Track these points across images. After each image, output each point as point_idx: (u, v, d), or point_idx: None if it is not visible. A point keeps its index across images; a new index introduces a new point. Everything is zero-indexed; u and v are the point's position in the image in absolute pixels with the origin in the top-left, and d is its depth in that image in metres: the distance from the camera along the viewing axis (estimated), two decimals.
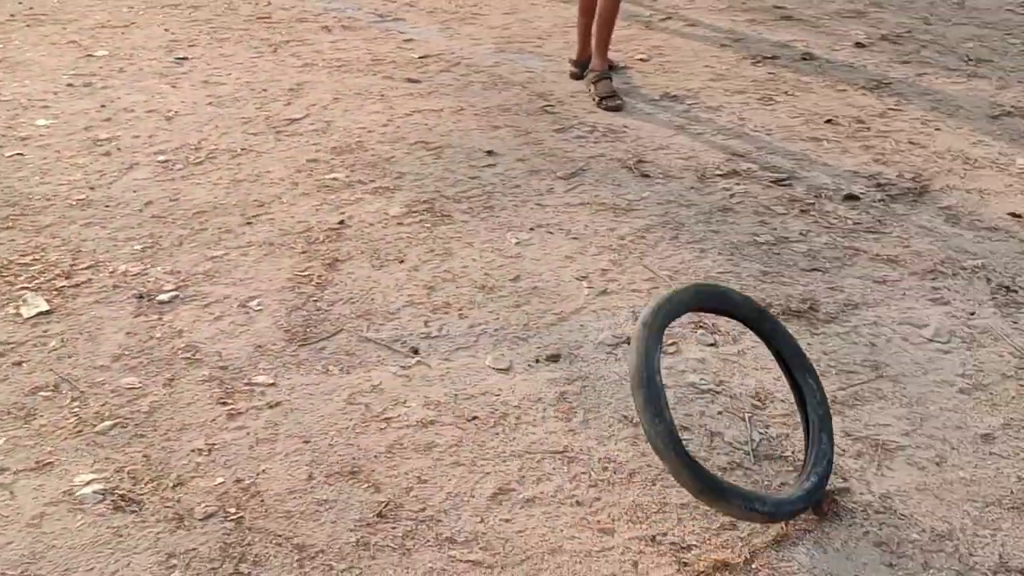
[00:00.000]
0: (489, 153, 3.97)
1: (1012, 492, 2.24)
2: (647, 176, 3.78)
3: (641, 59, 5.12)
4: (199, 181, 3.70)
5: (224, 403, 2.47)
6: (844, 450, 2.35)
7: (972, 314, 2.93)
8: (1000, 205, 3.59)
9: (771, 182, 3.74)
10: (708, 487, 1.98)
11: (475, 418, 2.44)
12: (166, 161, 3.88)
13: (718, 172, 3.82)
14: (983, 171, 3.85)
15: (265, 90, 4.68)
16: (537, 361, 2.67)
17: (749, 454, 2.35)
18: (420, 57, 5.18)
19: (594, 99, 4.50)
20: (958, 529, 2.13)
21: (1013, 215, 3.51)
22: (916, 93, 4.64)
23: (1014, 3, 6.13)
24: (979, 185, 3.74)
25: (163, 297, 2.90)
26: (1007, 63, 5.06)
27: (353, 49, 5.31)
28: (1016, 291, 3.04)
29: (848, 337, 2.79)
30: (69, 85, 4.69)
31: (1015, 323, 2.88)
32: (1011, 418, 2.49)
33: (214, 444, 2.33)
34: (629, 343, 2.45)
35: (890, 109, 4.45)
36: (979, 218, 3.49)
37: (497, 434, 2.39)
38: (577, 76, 4.80)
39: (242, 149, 4.01)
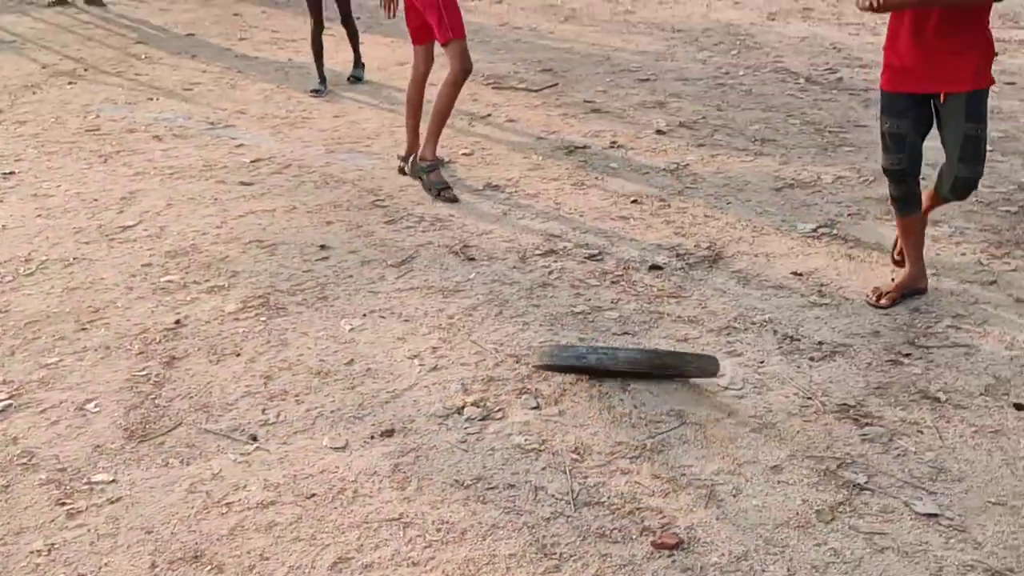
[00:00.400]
0: (322, 247, 4.18)
1: (797, 513, 2.55)
2: (472, 259, 4.06)
3: (465, 153, 5.47)
4: (30, 292, 3.74)
5: (63, 503, 2.53)
6: (653, 491, 2.62)
7: (762, 363, 3.29)
8: (784, 266, 4.04)
9: (585, 258, 4.08)
10: None
11: (314, 495, 2.58)
12: None
13: (537, 252, 4.14)
14: (769, 237, 4.32)
15: (96, 200, 4.75)
16: (372, 437, 2.85)
17: (570, 503, 2.58)
18: (252, 161, 5.36)
19: (431, 190, 4.75)
20: (752, 550, 2.41)
21: (795, 273, 3.96)
22: (710, 172, 5.15)
23: (795, 88, 6.85)
24: (765, 249, 4.19)
25: None
26: (788, 141, 5.67)
27: (185, 156, 5.44)
28: (799, 340, 3.44)
29: (655, 391, 3.09)
30: None
31: (799, 368, 3.26)
32: (795, 450, 2.83)
33: (53, 544, 2.39)
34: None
35: (687, 187, 4.92)
36: (766, 278, 3.92)
37: (336, 508, 2.54)
38: (405, 171, 5.08)
39: (74, 258, 4.06)
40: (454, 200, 4.68)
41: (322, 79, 6.85)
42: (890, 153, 3.59)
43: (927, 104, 3.51)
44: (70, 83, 7.19)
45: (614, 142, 5.66)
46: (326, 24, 6.89)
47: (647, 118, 6.15)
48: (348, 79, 7.02)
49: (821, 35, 8.63)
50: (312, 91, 6.78)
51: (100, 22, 9.71)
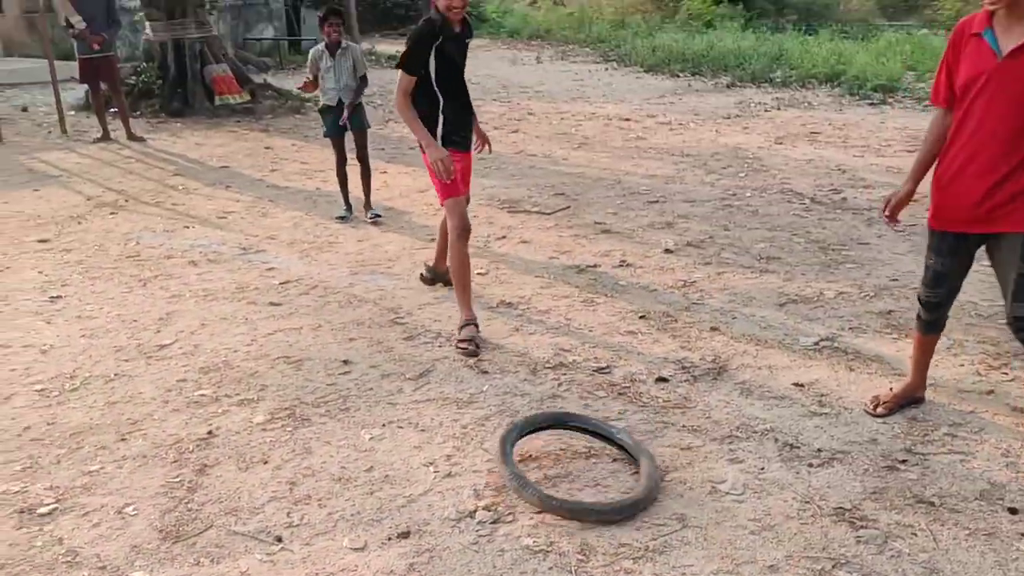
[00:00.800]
0: (345, 362, 4.42)
1: None
2: (486, 372, 4.28)
3: (480, 273, 5.76)
4: (75, 405, 3.99)
5: None
6: None
7: (762, 469, 3.45)
8: (786, 377, 4.22)
9: (593, 371, 4.30)
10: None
11: None
12: (43, 390, 4.16)
13: (547, 365, 4.36)
14: (772, 350, 4.52)
15: (136, 321, 5.05)
16: (389, 539, 3.02)
17: None
18: (281, 283, 5.67)
19: (457, 344, 4.58)
20: None
21: (796, 384, 4.14)
22: (716, 289, 5.39)
23: (800, 208, 7.15)
24: (769, 362, 4.39)
25: (43, 510, 3.15)
26: (793, 259, 5.92)
27: (218, 280, 5.77)
28: (799, 447, 3.60)
29: (659, 497, 3.25)
30: None
31: (798, 473, 3.42)
32: (792, 551, 2.96)
33: None
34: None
35: (694, 304, 5.16)
36: (768, 389, 4.11)
37: None
38: (428, 280, 5.44)
39: (115, 375, 4.33)
40: (471, 355, 4.48)
41: (347, 206, 7.24)
42: (929, 287, 3.73)
43: (975, 243, 3.58)
44: (112, 213, 7.63)
45: (623, 261, 5.94)
46: (348, 157, 7.30)
47: (656, 238, 6.44)
48: (368, 218, 7.17)
49: (827, 157, 8.99)
50: (338, 217, 7.16)
51: (140, 156, 10.28)
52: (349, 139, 7.23)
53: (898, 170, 8.31)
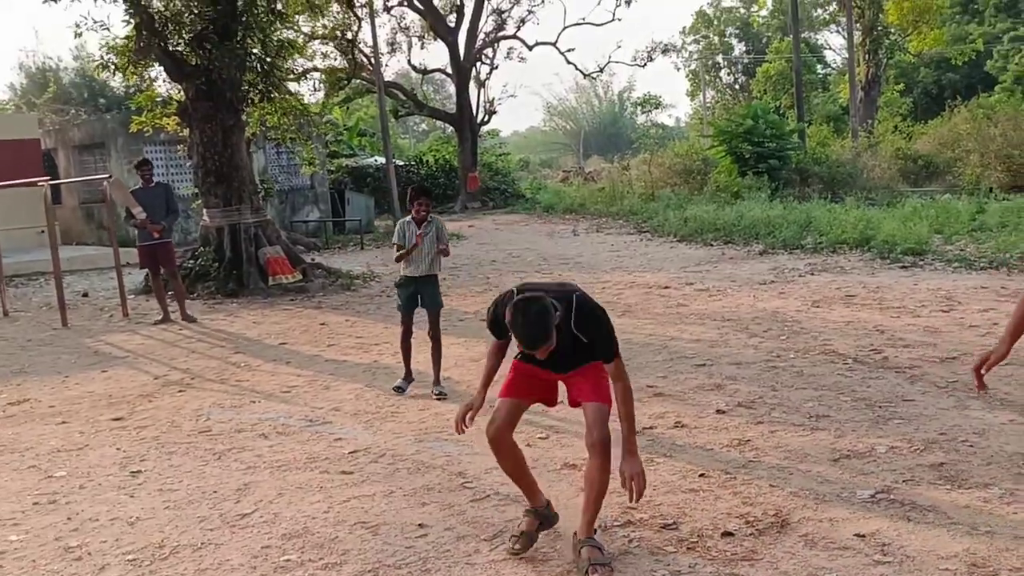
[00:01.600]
0: (420, 526, 4.61)
1: None
2: (558, 533, 4.45)
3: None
4: (167, 573, 4.19)
5: None
6: None
7: None
8: (847, 528, 4.35)
9: (660, 527, 4.45)
10: None
11: None
12: (134, 559, 4.38)
13: (616, 523, 4.53)
14: (830, 503, 4.66)
15: (215, 492, 5.29)
16: None
17: None
18: (350, 452, 5.92)
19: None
20: None
21: (858, 535, 4.27)
22: (771, 447, 5.57)
23: (844, 369, 7.36)
24: (829, 515, 4.52)
25: None
26: (841, 416, 6.10)
27: (290, 451, 6.03)
28: None
29: None
30: (35, 504, 5.22)
31: None
32: None
33: None
34: None
35: (750, 461, 5.33)
36: (831, 540, 4.23)
37: None
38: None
39: (202, 543, 4.54)
40: (516, 553, 4.22)
41: (408, 374, 7.46)
42: None
43: None
44: (180, 391, 8.00)
45: (678, 422, 6.15)
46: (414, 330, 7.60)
47: (707, 400, 6.66)
48: (434, 394, 7.25)
49: (864, 319, 9.26)
50: (395, 388, 7.42)
51: (201, 336, 10.77)
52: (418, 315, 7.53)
53: (935, 330, 8.55)
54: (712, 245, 16.84)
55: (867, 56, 34.54)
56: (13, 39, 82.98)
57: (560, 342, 3.99)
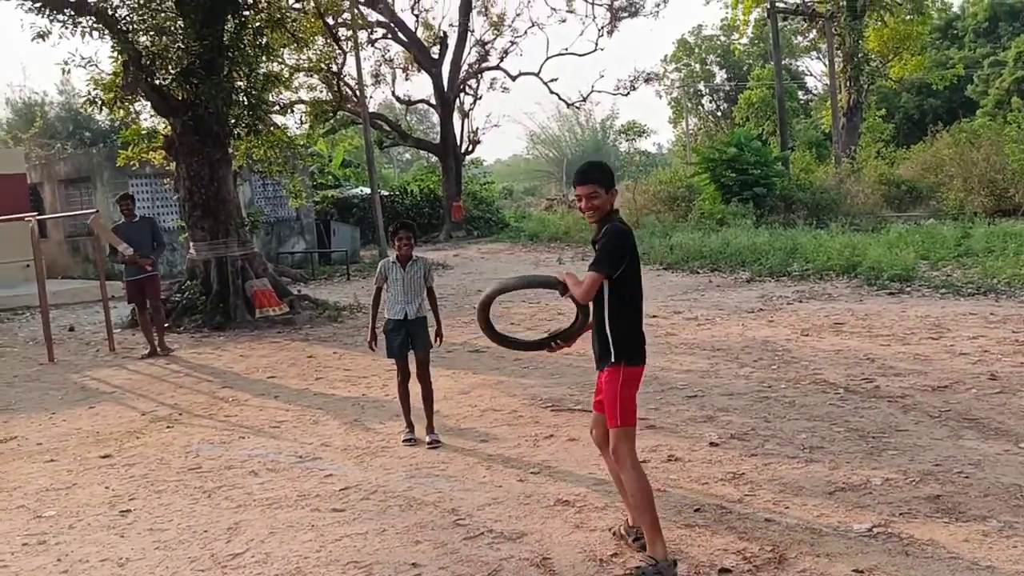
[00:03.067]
0: (413, 565, 4.56)
1: None
2: (554, 572, 4.40)
3: (533, 473, 5.93)
4: None
5: None
6: None
7: None
8: (845, 564, 4.32)
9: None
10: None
11: None
12: None
13: (615, 559, 4.48)
14: (827, 538, 4.63)
15: (206, 531, 5.22)
16: None
17: None
18: (341, 489, 5.86)
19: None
20: None
21: (856, 571, 4.24)
22: (765, 479, 5.54)
23: (836, 399, 7.35)
24: (826, 550, 4.49)
25: None
26: (835, 448, 6.09)
27: (280, 488, 5.96)
28: None
29: None
30: (24, 544, 5.14)
31: None
32: None
33: None
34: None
35: (746, 495, 5.30)
36: None
37: None
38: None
39: None
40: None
41: (411, 426, 7.02)
42: None
43: None
44: (168, 427, 7.92)
45: (671, 456, 6.12)
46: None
47: (699, 432, 6.64)
48: (427, 442, 6.82)
49: (854, 347, 9.28)
50: (405, 441, 6.94)
51: (188, 370, 10.69)
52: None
53: (926, 358, 8.57)
54: (699, 273, 16.88)
55: (849, 82, 34.90)
56: (1, 76, 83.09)
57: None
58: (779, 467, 5.78)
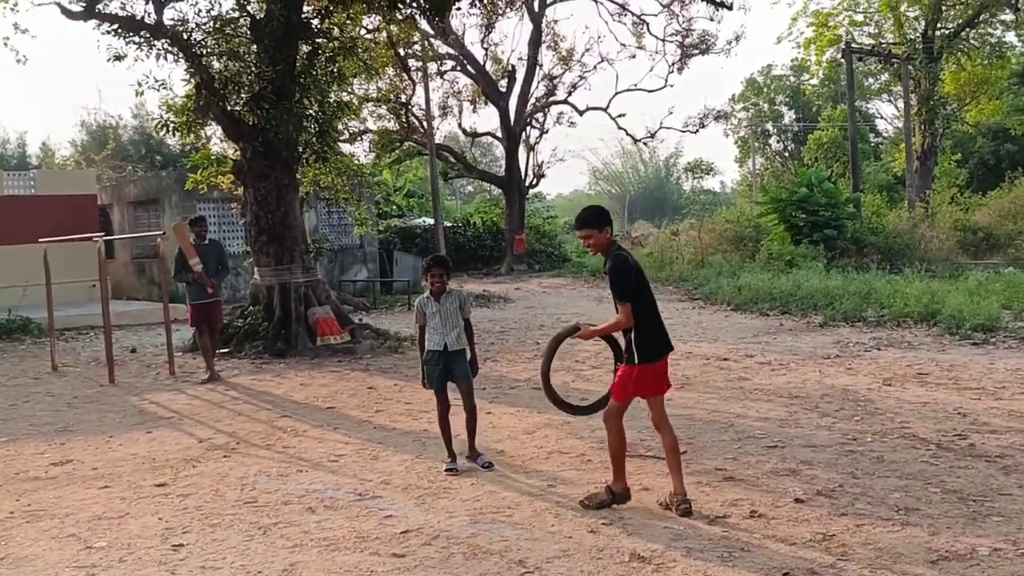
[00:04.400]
0: None
1: None
2: None
3: (604, 523, 5.57)
4: None
5: None
6: None
7: None
8: None
9: None
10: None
11: None
12: None
13: None
14: None
15: (260, 572, 4.96)
16: None
17: None
18: (402, 532, 5.56)
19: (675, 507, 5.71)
20: None
21: None
22: (859, 543, 5.10)
23: (928, 455, 6.87)
24: None
25: None
26: (933, 510, 5.62)
27: (338, 528, 5.69)
28: None
29: None
30: None
31: None
32: None
33: None
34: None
35: (838, 560, 4.86)
36: None
37: None
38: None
39: None
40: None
41: (452, 457, 7.02)
42: None
43: None
44: (225, 456, 7.72)
45: (754, 511, 5.70)
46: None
47: (782, 486, 6.21)
48: (484, 467, 6.93)
49: (942, 400, 8.75)
50: (447, 470, 6.90)
51: (247, 397, 10.53)
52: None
53: (1021, 415, 8.03)
54: (768, 315, 16.36)
55: (923, 126, 34.07)
56: (78, 98, 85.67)
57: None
58: (873, 529, 5.33)
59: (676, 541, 5.24)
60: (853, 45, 32.07)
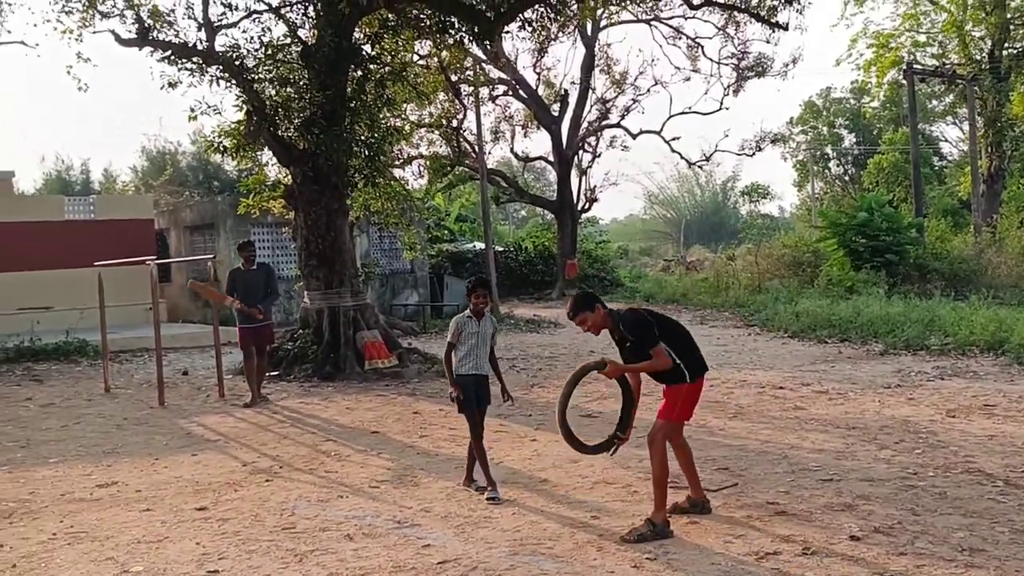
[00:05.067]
0: None
1: None
2: None
3: (648, 559, 5.35)
4: None
5: None
6: None
7: None
8: None
9: None
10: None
11: None
12: None
13: None
14: None
15: None
16: None
17: None
18: (439, 563, 5.40)
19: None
20: None
21: None
22: None
23: (995, 492, 6.52)
24: None
25: None
26: (1001, 552, 5.29)
27: (375, 557, 5.55)
28: None
29: None
30: None
31: None
32: None
33: None
34: None
35: None
36: None
37: None
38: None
39: None
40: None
41: (492, 484, 6.89)
42: None
43: None
44: (267, 480, 7.64)
45: (807, 548, 5.43)
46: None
47: (837, 522, 5.93)
48: (487, 498, 6.79)
49: (1010, 433, 8.35)
50: (489, 499, 6.78)
51: (293, 420, 10.49)
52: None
53: None
54: (827, 342, 15.93)
55: (990, 148, 33.18)
56: (141, 125, 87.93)
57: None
58: (934, 570, 5.04)
59: None
60: (915, 66, 31.41)
